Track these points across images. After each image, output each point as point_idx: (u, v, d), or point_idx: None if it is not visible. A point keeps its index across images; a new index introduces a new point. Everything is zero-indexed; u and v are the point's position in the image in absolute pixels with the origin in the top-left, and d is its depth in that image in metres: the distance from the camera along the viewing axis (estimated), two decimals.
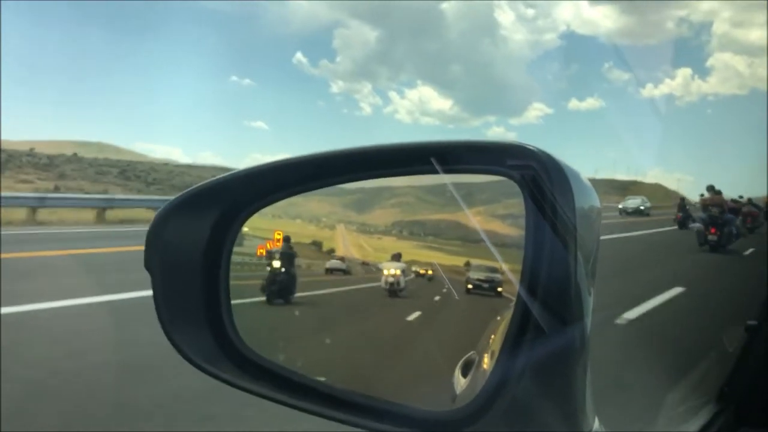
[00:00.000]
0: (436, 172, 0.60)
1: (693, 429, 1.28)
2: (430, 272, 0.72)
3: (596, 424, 0.58)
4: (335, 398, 0.64)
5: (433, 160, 0.60)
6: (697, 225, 15.53)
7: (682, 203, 23.98)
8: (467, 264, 0.67)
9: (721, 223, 14.88)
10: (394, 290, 0.78)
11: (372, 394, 0.63)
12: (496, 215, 0.66)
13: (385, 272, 0.79)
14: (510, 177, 0.56)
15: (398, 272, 0.78)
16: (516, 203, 0.59)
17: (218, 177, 0.68)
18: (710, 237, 14.70)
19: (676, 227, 22.40)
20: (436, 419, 0.58)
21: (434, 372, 0.67)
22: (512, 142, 0.58)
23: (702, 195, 16.79)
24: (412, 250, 0.73)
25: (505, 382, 0.51)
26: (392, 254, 0.78)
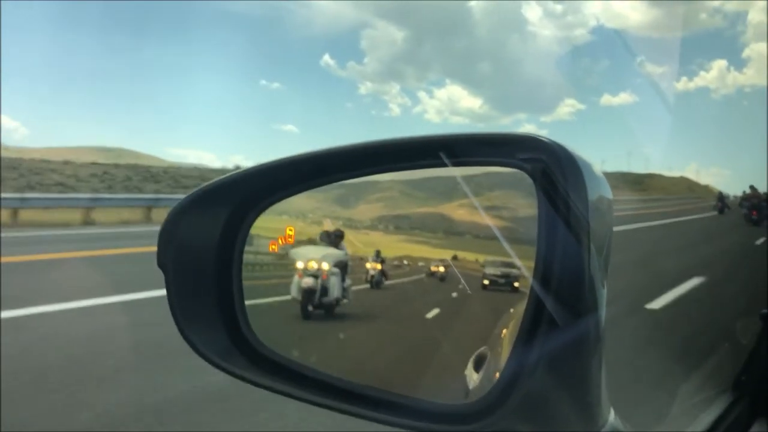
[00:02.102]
0: (447, 165, 0.60)
1: (708, 419, 1.27)
2: (442, 269, 0.65)
3: (611, 416, 0.58)
4: (349, 392, 0.64)
5: (441, 154, 0.60)
6: (744, 210, 25.75)
7: (721, 195, 34.80)
8: (455, 257, 0.67)
9: (759, 208, 24.37)
10: (316, 304, 0.59)
11: (386, 388, 0.64)
12: (480, 207, 0.66)
13: (299, 265, 0.60)
14: (522, 169, 0.56)
15: (325, 267, 0.60)
16: (503, 195, 0.59)
17: (231, 174, 0.69)
18: (753, 217, 24.29)
19: (715, 213, 32.61)
20: (450, 413, 0.58)
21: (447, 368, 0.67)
22: (523, 133, 0.57)
23: (744, 191, 27.71)
24: (400, 245, 0.72)
25: (520, 375, 0.51)
26: (322, 233, 0.62)
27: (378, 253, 0.73)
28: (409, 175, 0.67)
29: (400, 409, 0.59)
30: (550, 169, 0.53)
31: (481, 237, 0.67)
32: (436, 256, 0.68)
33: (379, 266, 0.69)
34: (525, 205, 0.57)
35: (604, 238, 0.55)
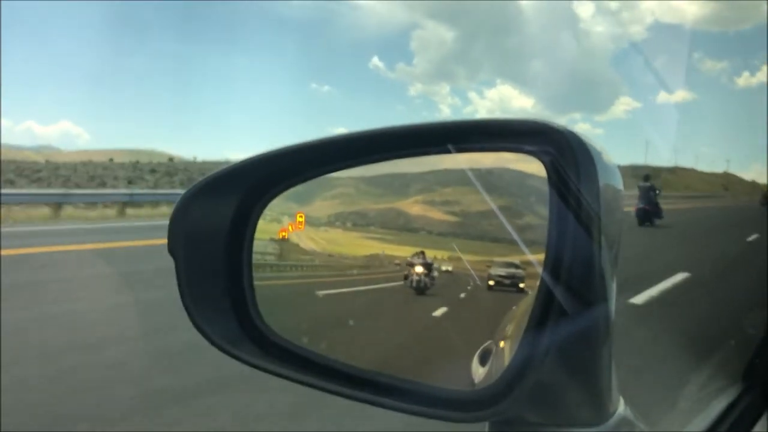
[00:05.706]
0: (459, 152, 0.60)
1: (720, 407, 1.27)
2: (419, 270, 0.64)
3: (621, 405, 0.58)
4: (358, 378, 0.64)
5: (450, 146, 0.59)
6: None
7: (765, 193, 39.46)
8: (419, 254, 0.66)
9: None
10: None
11: (394, 374, 0.64)
12: (435, 202, 0.67)
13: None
14: (533, 156, 0.55)
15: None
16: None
17: (241, 160, 0.69)
18: None
19: (758, 205, 37.24)
20: (460, 399, 0.58)
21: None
22: (534, 119, 0.56)
23: None
24: (361, 242, 0.71)
25: (530, 363, 0.51)
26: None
27: None
28: (364, 171, 0.68)
29: (409, 395, 0.59)
30: (560, 157, 0.52)
31: (434, 233, 0.67)
32: (398, 253, 0.67)
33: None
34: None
35: (614, 229, 0.54)
